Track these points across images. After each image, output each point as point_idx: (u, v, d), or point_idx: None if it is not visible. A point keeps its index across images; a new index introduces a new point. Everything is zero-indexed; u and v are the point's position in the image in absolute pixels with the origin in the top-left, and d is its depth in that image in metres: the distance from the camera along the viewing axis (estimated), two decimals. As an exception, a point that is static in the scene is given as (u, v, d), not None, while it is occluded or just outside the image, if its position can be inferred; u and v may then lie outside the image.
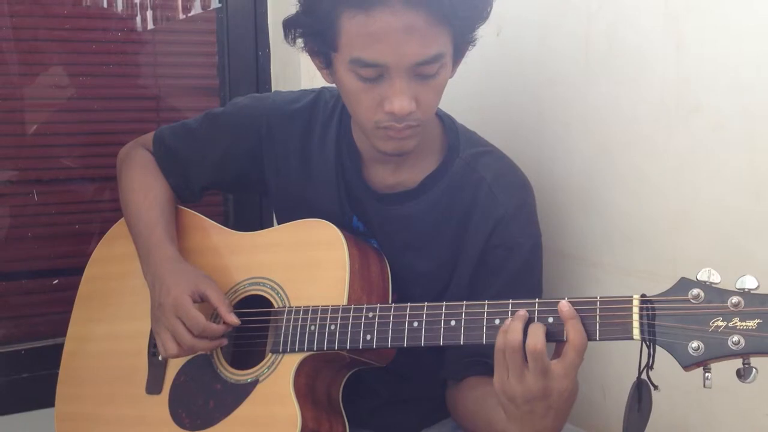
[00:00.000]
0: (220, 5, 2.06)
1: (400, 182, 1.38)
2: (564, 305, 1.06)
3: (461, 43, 1.26)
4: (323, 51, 1.26)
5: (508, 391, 1.07)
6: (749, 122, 1.22)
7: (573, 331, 1.05)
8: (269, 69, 2.08)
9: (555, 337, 1.07)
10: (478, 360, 1.27)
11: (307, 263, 1.33)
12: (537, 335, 1.05)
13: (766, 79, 1.19)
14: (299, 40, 1.28)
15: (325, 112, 1.44)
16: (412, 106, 1.21)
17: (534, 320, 1.08)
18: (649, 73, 1.36)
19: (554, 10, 1.54)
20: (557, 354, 1.07)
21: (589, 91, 1.48)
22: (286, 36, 1.29)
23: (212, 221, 1.50)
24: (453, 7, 1.17)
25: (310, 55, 1.30)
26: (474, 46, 1.29)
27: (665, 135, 1.35)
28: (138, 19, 2.04)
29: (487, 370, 1.15)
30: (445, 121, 1.41)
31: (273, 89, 2.08)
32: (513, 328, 1.07)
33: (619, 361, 1.42)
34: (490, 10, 1.26)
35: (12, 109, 1.95)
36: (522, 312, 1.08)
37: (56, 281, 1.99)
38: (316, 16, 1.22)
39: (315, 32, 1.24)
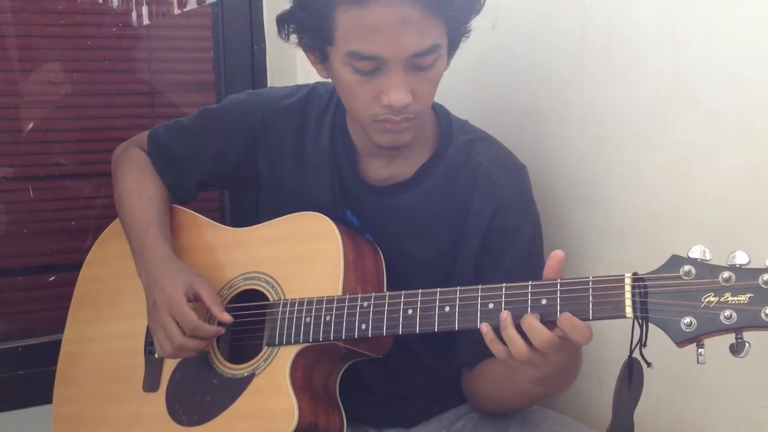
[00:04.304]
0: (215, 0, 2.05)
1: (395, 175, 1.38)
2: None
3: (455, 35, 1.26)
4: (318, 45, 1.25)
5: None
6: (745, 116, 1.22)
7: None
8: (265, 63, 2.08)
9: (548, 318, 1.06)
10: None
11: (301, 256, 1.33)
12: (538, 330, 1.05)
13: (762, 72, 1.19)
14: (293, 36, 1.28)
15: (319, 107, 1.44)
16: (409, 99, 1.21)
17: (527, 311, 1.07)
18: (645, 67, 1.36)
19: (550, 3, 1.54)
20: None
21: (584, 85, 1.48)
22: (280, 32, 1.29)
23: (206, 218, 1.50)
24: None
25: (305, 50, 1.30)
26: (468, 37, 1.29)
27: (661, 129, 1.35)
28: (133, 14, 2.03)
29: None
30: (437, 110, 1.41)
31: (269, 84, 2.08)
32: (512, 339, 1.07)
33: (615, 352, 1.41)
34: (484, 2, 1.26)
35: (7, 106, 1.94)
36: (504, 315, 1.08)
37: (53, 278, 1.99)
38: (311, 11, 1.22)
39: (310, 27, 1.24)
